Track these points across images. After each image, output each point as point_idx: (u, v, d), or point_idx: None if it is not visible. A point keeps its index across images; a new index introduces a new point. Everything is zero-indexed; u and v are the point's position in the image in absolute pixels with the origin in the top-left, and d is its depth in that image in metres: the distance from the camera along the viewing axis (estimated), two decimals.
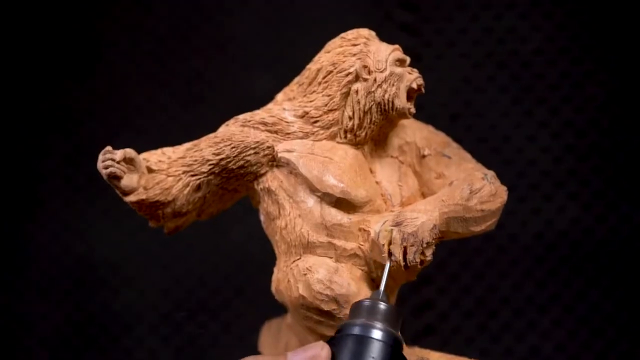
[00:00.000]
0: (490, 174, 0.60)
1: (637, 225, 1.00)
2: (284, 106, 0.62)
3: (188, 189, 0.60)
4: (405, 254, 0.55)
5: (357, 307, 0.51)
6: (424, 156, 0.63)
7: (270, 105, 0.63)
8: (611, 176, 1.01)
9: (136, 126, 1.04)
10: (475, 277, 1.01)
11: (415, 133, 0.63)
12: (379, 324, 0.49)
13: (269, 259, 0.63)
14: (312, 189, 0.58)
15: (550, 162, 1.02)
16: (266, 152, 0.60)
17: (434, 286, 1.00)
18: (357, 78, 0.59)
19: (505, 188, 0.60)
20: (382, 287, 0.52)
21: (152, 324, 1.01)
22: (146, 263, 1.03)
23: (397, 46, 0.61)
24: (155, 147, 0.65)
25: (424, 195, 0.62)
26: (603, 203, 1.00)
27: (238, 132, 0.60)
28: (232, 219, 1.00)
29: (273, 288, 0.61)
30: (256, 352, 1.01)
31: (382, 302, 0.50)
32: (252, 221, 1.00)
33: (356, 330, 0.48)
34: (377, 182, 0.61)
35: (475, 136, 1.01)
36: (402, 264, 0.55)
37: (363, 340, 0.48)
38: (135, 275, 1.02)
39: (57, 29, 1.06)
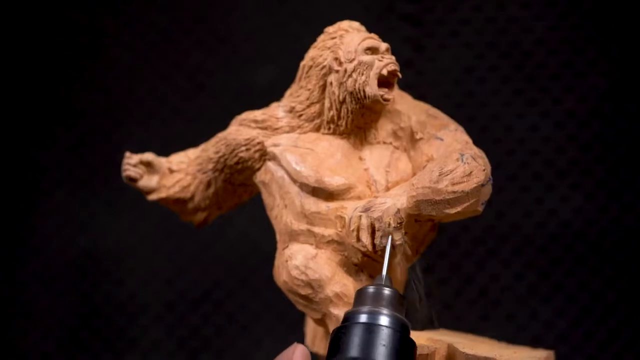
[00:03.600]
0: (468, 154, 0.57)
1: (639, 215, 1.00)
2: (281, 102, 0.65)
3: (202, 185, 0.66)
4: (372, 238, 0.57)
5: (361, 294, 0.51)
6: (417, 140, 0.63)
7: (274, 104, 0.66)
8: (614, 166, 1.01)
9: (139, 118, 1.05)
10: (477, 267, 1.01)
11: (411, 118, 0.64)
12: (385, 310, 0.48)
13: (272, 248, 0.64)
14: (292, 180, 0.61)
15: (553, 152, 1.01)
16: (257, 147, 0.63)
17: (437, 275, 1.00)
18: (330, 70, 0.62)
19: (483, 168, 0.57)
20: (384, 272, 0.52)
21: (157, 314, 1.02)
22: (150, 254, 1.03)
23: (371, 35, 0.62)
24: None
25: None
26: (606, 193, 1.00)
27: (234, 130, 0.64)
28: (235, 209, 1.00)
29: (273, 274, 0.64)
30: (261, 341, 1.02)
31: (386, 288, 0.50)
32: (255, 211, 1.01)
33: (363, 318, 0.48)
34: (365, 169, 0.62)
35: (478, 126, 1.01)
36: (370, 248, 0.56)
37: (371, 328, 0.47)
38: (139, 266, 1.03)
39: (60, 21, 1.06)
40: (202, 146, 0.67)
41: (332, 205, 0.60)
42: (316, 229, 0.60)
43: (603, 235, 1.00)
